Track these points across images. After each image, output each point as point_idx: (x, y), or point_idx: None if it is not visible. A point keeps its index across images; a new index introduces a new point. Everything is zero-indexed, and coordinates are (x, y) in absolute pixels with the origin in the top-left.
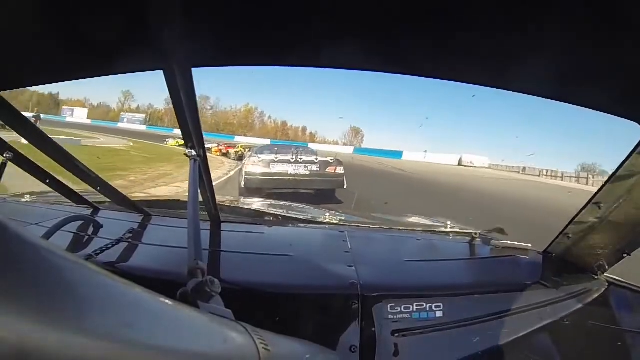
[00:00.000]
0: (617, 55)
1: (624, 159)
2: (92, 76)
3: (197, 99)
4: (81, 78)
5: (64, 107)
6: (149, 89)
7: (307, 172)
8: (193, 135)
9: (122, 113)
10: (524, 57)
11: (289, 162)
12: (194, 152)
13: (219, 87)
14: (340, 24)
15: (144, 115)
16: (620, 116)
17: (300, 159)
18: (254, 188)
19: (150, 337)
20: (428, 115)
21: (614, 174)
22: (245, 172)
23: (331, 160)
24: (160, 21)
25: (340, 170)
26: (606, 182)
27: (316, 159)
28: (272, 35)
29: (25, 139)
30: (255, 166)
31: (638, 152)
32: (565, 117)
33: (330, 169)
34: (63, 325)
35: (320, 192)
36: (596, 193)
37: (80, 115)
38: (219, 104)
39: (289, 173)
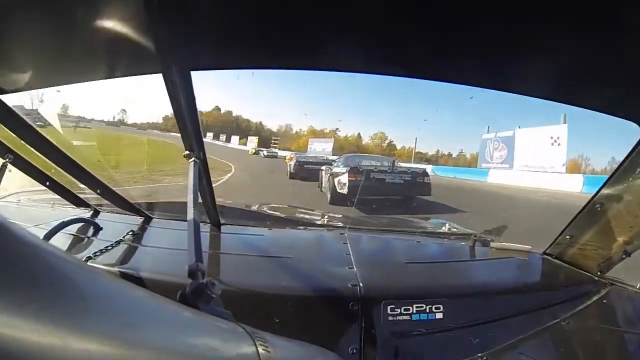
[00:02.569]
0: (617, 56)
1: (622, 159)
2: (91, 80)
3: None
4: (80, 82)
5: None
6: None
7: (402, 181)
8: (193, 137)
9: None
10: (524, 59)
11: (386, 172)
12: (193, 155)
13: None
14: (340, 26)
15: None
16: (619, 117)
17: (396, 169)
18: (351, 193)
19: (150, 338)
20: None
21: (613, 174)
22: (349, 179)
23: (420, 170)
24: (160, 25)
25: (427, 180)
26: (605, 183)
27: (409, 169)
28: (272, 38)
29: (25, 142)
30: (357, 174)
31: (637, 153)
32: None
33: (419, 179)
34: (64, 325)
35: (409, 199)
36: (595, 194)
37: None
38: None
39: (386, 181)
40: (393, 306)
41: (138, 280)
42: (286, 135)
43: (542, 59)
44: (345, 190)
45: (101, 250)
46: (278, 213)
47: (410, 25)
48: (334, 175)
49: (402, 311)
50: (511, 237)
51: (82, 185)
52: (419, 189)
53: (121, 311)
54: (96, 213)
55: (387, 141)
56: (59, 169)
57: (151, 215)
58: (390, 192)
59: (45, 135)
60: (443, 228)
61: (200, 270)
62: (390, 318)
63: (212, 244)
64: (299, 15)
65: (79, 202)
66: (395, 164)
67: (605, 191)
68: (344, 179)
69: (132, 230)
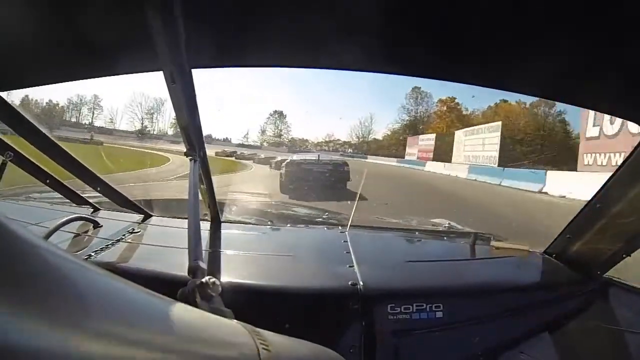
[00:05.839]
0: (617, 55)
1: (623, 159)
2: (91, 77)
3: None
4: (81, 79)
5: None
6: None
7: (325, 170)
8: (193, 135)
9: None
10: (524, 57)
11: (314, 162)
12: (194, 153)
13: None
14: (340, 24)
15: None
16: (620, 117)
17: (321, 161)
18: (293, 177)
19: (150, 337)
20: None
21: (613, 175)
22: (290, 169)
23: (340, 161)
24: (160, 22)
25: (347, 168)
26: (606, 183)
27: (330, 161)
28: (272, 35)
29: (25, 139)
30: (296, 163)
31: (637, 153)
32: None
33: (339, 168)
34: (63, 324)
35: (332, 183)
36: (596, 194)
37: None
38: None
39: (314, 170)
40: (393, 305)
41: (138, 279)
42: None
43: (542, 58)
44: (283, 179)
45: (101, 248)
46: (279, 211)
47: (411, 24)
48: (281, 169)
49: (403, 310)
50: None
51: (82, 183)
52: (339, 174)
53: (121, 310)
54: (96, 211)
55: None
56: (59, 166)
57: (151, 213)
58: (318, 176)
59: (45, 132)
60: (443, 227)
61: (201, 269)
62: (391, 317)
63: (212, 242)
64: (301, 12)
65: (79, 200)
66: (320, 157)
67: (605, 191)
68: (284, 171)
69: (132, 228)
